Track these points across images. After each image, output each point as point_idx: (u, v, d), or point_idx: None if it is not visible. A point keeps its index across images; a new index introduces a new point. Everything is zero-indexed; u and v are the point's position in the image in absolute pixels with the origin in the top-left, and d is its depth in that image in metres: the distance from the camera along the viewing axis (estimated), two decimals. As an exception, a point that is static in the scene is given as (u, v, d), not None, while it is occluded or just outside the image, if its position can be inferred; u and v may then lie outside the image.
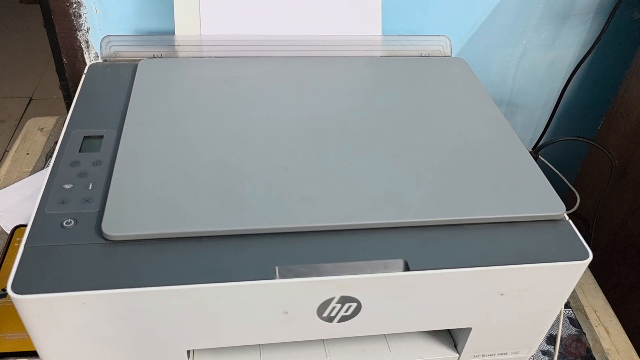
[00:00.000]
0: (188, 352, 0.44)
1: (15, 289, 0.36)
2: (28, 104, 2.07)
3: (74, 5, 0.70)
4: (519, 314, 0.47)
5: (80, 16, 0.71)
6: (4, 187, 0.71)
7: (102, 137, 0.50)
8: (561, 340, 0.60)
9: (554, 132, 0.96)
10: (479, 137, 0.52)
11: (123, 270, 0.38)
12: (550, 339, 0.60)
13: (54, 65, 0.77)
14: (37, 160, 0.76)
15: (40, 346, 0.40)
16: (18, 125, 1.96)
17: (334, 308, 0.42)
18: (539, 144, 0.78)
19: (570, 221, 0.46)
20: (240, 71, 0.59)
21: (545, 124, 0.86)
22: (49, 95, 2.11)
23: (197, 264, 0.39)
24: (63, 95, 0.81)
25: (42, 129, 0.82)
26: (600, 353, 0.60)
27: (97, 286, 0.37)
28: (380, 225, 0.43)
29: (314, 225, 0.42)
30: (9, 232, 0.63)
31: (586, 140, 0.74)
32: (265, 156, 0.48)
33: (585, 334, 0.62)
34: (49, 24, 0.71)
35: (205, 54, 0.63)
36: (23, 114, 2.02)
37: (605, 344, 0.61)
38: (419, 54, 0.68)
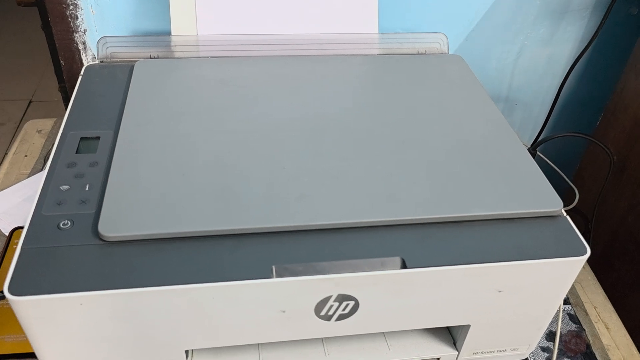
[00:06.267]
0: (186, 352, 0.44)
1: (12, 291, 0.36)
2: (27, 107, 2.07)
3: (71, 7, 0.70)
4: (518, 311, 0.46)
5: (77, 18, 0.71)
6: (3, 189, 0.71)
7: (98, 138, 0.50)
8: (561, 337, 0.60)
9: (553, 128, 0.96)
10: (476, 134, 0.52)
11: (120, 270, 0.38)
12: (550, 335, 0.60)
13: (53, 68, 0.77)
14: (36, 162, 0.76)
15: (38, 347, 0.40)
16: (18, 127, 1.96)
17: (331, 306, 0.42)
18: (538, 140, 0.78)
19: (567, 217, 0.46)
20: (236, 71, 0.59)
21: (544, 120, 0.86)
22: (48, 98, 2.11)
23: (194, 264, 0.39)
24: (62, 97, 0.81)
25: (40, 131, 0.82)
26: (600, 349, 0.60)
27: (94, 287, 0.37)
28: (377, 223, 0.43)
29: (311, 223, 0.42)
30: (7, 234, 0.63)
31: (585, 136, 0.74)
32: (262, 155, 0.48)
33: (585, 330, 0.61)
34: (46, 26, 0.72)
35: (201, 54, 0.63)
36: (23, 116, 2.02)
37: (605, 340, 0.61)
38: (416, 52, 0.68)
